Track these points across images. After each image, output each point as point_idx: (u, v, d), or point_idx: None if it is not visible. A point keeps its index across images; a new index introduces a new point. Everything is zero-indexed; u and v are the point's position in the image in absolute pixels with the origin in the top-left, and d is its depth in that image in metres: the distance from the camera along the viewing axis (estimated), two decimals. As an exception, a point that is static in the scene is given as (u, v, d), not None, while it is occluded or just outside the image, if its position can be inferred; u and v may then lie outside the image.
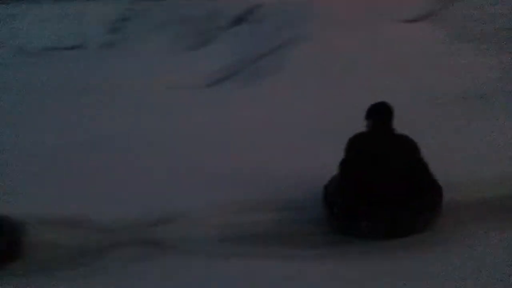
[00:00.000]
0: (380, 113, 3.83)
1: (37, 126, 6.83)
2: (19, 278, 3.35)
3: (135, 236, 3.87)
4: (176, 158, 5.29)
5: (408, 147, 3.81)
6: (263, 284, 3.19)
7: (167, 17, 16.60)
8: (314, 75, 8.81)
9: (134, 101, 8.57)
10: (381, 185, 3.64)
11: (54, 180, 4.88)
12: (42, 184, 4.76)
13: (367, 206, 3.63)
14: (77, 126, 6.73)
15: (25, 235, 3.73)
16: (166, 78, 10.53)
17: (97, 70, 12.11)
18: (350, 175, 3.79)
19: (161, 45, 14.68)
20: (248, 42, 13.05)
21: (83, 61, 14.14)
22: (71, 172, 5.07)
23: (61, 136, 6.22)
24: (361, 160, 3.78)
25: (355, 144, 3.86)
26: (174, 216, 4.03)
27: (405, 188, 3.66)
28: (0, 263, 3.48)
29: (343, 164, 3.86)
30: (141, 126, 6.74)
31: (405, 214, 3.61)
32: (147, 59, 12.96)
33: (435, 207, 3.73)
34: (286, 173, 4.62)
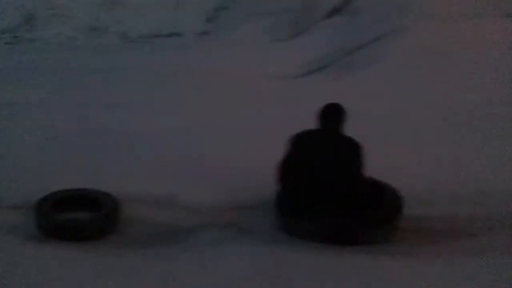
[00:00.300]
0: (330, 114, 3.78)
1: (136, 110, 7.12)
2: (114, 251, 3.48)
3: (222, 219, 3.93)
4: (265, 147, 5.30)
5: (350, 151, 3.70)
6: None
7: (263, 7, 16.75)
8: (409, 69, 8.54)
9: (228, 89, 8.71)
10: (320, 189, 3.56)
11: (148, 161, 5.07)
12: (139, 165, 4.98)
13: (306, 208, 3.56)
14: (172, 112, 6.95)
15: (121, 210, 3.89)
16: (259, 68, 10.61)
17: (193, 58, 12.46)
18: (287, 175, 3.70)
19: (256, 35, 14.83)
20: (343, 34, 12.85)
21: (180, 49, 14.64)
22: (165, 154, 5.22)
23: (157, 120, 6.47)
24: (301, 160, 3.69)
25: (299, 142, 3.78)
26: (260, 203, 4.04)
27: (343, 194, 3.55)
28: (99, 234, 3.66)
29: (282, 163, 3.76)
30: (231, 114, 6.82)
31: (344, 221, 3.52)
32: (241, 48, 13.15)
33: (387, 219, 3.59)
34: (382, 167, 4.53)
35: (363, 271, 3.20)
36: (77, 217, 3.85)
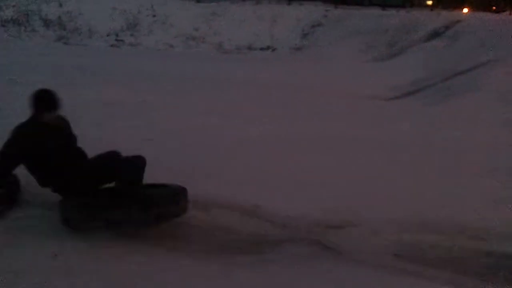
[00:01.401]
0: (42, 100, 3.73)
1: (229, 118, 7.29)
2: (199, 255, 3.53)
3: (309, 236, 3.88)
4: (357, 168, 5.27)
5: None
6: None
7: (360, 25, 16.69)
8: (508, 100, 8.18)
9: (316, 105, 8.72)
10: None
11: (239, 169, 5.16)
12: (229, 171, 5.08)
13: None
14: (263, 123, 7.06)
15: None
16: (350, 87, 10.56)
17: (285, 72, 12.62)
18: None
19: (350, 53, 14.80)
20: (441, 58, 12.51)
21: (273, 62, 14.89)
22: (257, 163, 5.33)
23: (250, 129, 6.61)
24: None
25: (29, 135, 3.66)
26: (351, 223, 3.97)
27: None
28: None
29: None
30: (314, 129, 6.87)
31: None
32: (334, 66, 13.18)
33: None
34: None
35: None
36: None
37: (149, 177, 4.21)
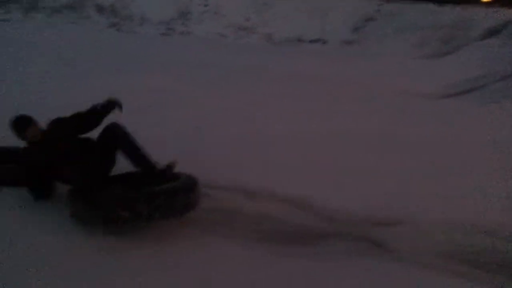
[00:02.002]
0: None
1: (277, 111, 7.27)
2: (245, 244, 3.54)
3: (356, 231, 3.83)
4: (403, 164, 5.17)
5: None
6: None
7: (413, 21, 16.27)
8: None
9: (367, 101, 8.58)
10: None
11: (290, 162, 5.15)
12: (279, 163, 5.08)
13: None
14: (310, 117, 7.02)
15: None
16: (403, 84, 10.32)
17: (335, 66, 12.45)
18: None
19: (403, 49, 14.45)
20: (498, 57, 12.07)
21: (323, 56, 14.71)
22: (307, 157, 5.31)
23: (299, 123, 6.58)
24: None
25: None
26: (401, 221, 3.89)
27: None
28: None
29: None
30: (363, 125, 6.79)
31: None
32: (386, 61, 12.89)
33: None
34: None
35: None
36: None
37: (198, 166, 4.26)
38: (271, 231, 3.81)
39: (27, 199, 3.88)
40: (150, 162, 3.88)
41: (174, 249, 3.27)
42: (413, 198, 4.29)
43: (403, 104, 8.63)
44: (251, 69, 10.77)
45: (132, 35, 16.39)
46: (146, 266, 3.03)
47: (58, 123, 4.06)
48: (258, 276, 3.09)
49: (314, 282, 3.08)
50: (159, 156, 3.98)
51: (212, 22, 18.17)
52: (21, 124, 3.89)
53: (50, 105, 5.35)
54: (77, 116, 4.10)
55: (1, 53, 10.94)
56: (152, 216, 3.40)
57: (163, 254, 3.21)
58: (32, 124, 3.90)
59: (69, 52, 11.42)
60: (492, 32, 14.53)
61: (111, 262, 3.05)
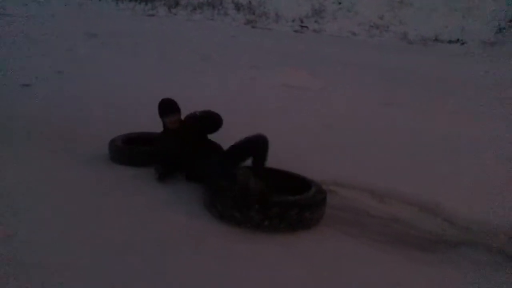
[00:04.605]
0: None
1: (414, 111, 7.06)
2: (373, 245, 3.53)
3: (489, 242, 3.63)
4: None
5: None
6: None
7: None
8: None
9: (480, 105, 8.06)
10: None
11: (419, 165, 5.04)
12: (408, 166, 4.99)
13: None
14: (444, 121, 6.74)
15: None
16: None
17: (476, 68, 11.76)
18: None
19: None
20: None
21: (462, 57, 13.96)
22: (437, 160, 5.18)
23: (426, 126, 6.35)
24: None
25: None
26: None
27: None
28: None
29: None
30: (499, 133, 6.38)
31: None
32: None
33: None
34: None
35: None
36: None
37: (325, 162, 4.29)
38: (399, 234, 3.74)
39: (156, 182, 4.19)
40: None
41: (306, 243, 3.34)
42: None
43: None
44: (383, 68, 10.57)
45: (267, 31, 16.81)
46: (278, 257, 3.13)
47: (195, 119, 4.21)
48: (384, 279, 3.07)
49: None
50: (288, 149, 4.05)
51: (345, 20, 18.05)
52: (167, 108, 4.18)
53: (189, 97, 5.69)
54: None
55: (148, 46, 11.84)
56: (262, 224, 3.39)
57: (295, 246, 3.29)
58: (175, 112, 4.18)
59: (207, 47, 12.02)
60: None
61: (243, 250, 3.19)
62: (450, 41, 15.68)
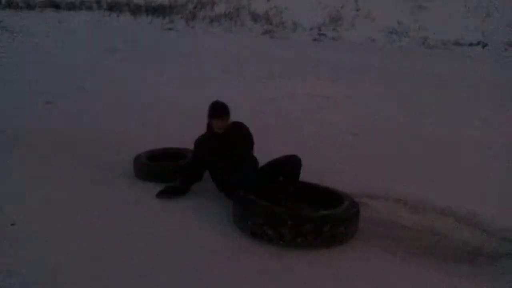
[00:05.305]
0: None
1: (440, 116, 6.93)
2: (408, 258, 3.43)
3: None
4: None
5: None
6: None
7: None
8: None
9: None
10: None
11: (453, 172, 4.94)
12: (443, 173, 4.90)
13: None
14: (471, 126, 6.62)
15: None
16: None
17: (497, 71, 11.56)
18: None
19: None
20: None
21: (483, 60, 13.74)
22: (470, 166, 5.05)
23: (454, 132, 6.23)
24: None
25: None
26: None
27: None
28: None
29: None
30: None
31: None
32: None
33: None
34: None
35: None
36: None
37: (354, 173, 4.19)
38: (434, 246, 3.63)
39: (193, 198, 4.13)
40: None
41: (340, 259, 3.25)
42: None
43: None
44: (404, 73, 10.44)
45: (285, 41, 16.76)
46: (311, 275, 3.06)
47: (242, 132, 4.22)
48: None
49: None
50: (315, 161, 3.97)
51: (363, 27, 17.92)
52: (218, 111, 4.09)
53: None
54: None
55: (168, 59, 11.89)
56: (294, 241, 3.30)
57: (329, 263, 3.20)
58: (225, 117, 4.08)
59: (227, 59, 12.02)
60: None
61: (278, 268, 3.11)
62: (470, 44, 15.45)
